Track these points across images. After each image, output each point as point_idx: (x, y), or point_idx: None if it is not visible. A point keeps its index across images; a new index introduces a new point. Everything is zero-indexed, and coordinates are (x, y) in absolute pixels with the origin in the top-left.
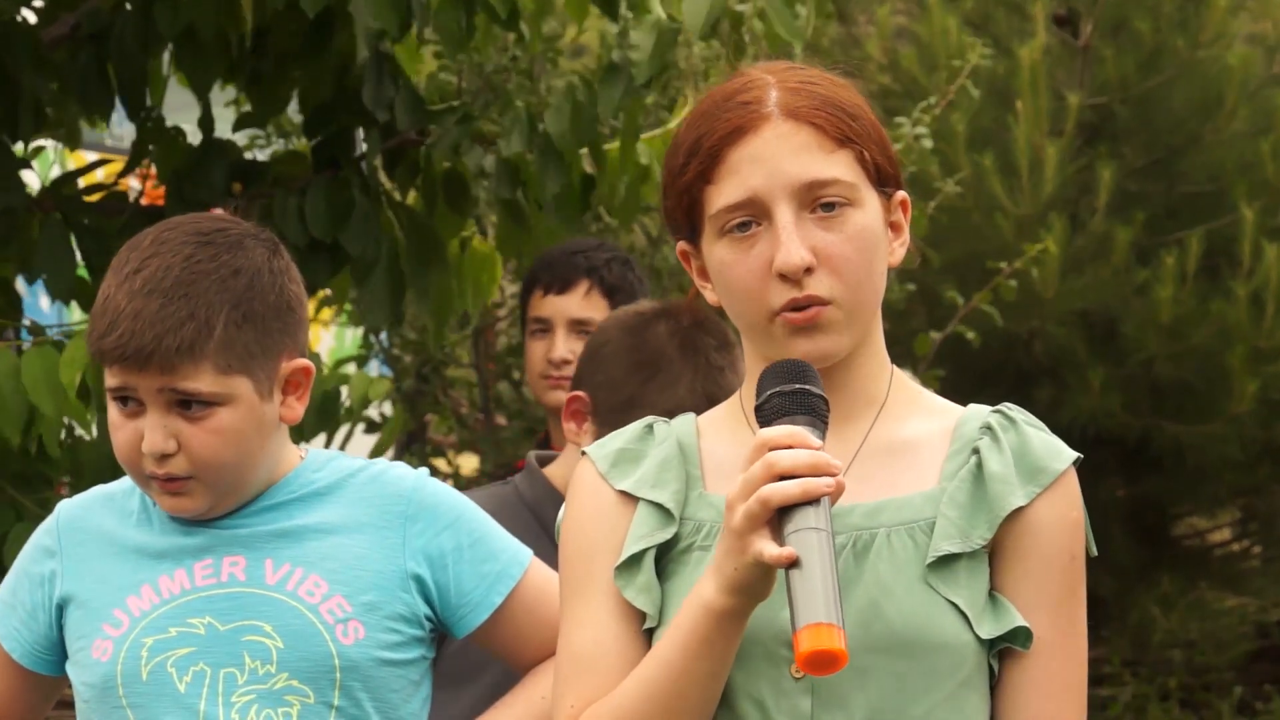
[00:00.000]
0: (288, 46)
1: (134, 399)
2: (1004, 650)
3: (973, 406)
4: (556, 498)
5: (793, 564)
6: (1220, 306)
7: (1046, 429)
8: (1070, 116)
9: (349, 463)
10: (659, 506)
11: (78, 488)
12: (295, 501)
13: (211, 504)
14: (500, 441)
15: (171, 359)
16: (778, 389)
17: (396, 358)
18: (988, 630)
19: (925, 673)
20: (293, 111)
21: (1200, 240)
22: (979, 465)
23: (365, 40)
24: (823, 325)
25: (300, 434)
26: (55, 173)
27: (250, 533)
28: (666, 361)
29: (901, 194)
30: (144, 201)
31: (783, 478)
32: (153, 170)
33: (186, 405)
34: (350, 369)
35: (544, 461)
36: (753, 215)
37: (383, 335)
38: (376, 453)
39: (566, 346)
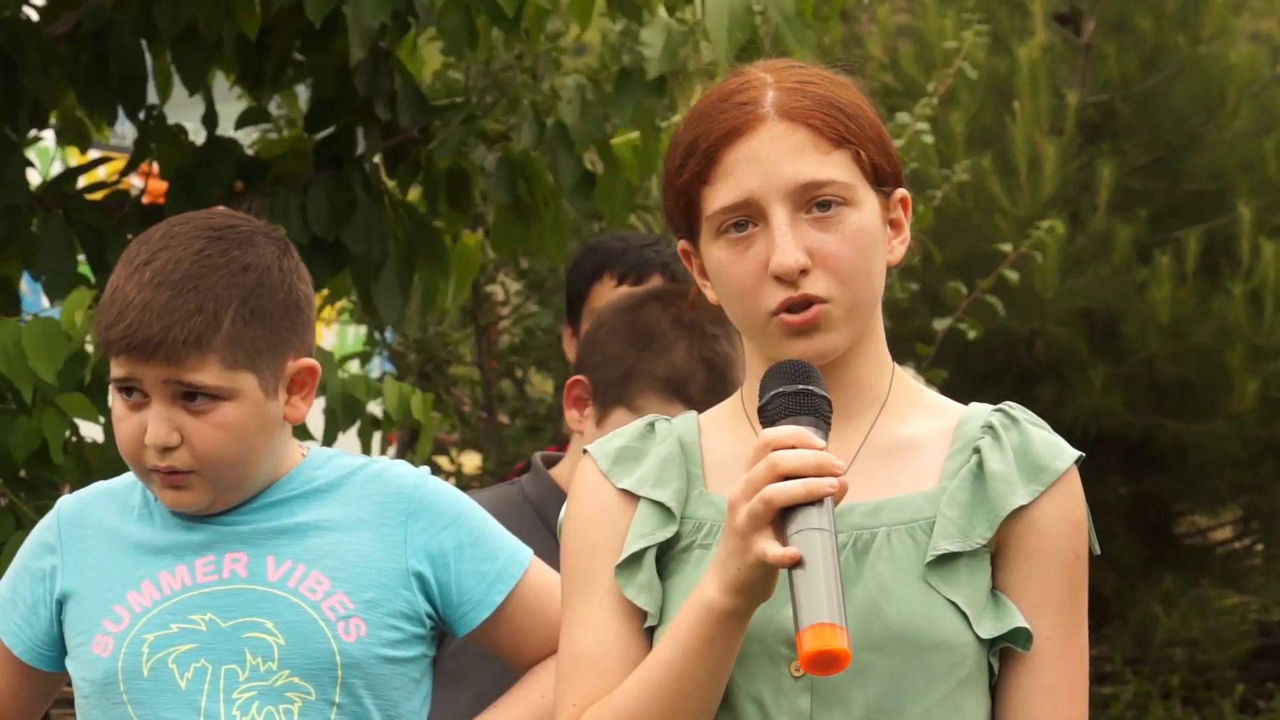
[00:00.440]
0: (290, 45)
1: (139, 390)
2: (1005, 650)
3: (974, 405)
4: (562, 497)
5: (796, 564)
6: (1220, 305)
7: (1049, 428)
8: (1070, 115)
9: (349, 460)
10: (660, 505)
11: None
12: (297, 499)
13: (212, 499)
14: (503, 439)
15: (178, 350)
16: (781, 389)
17: (400, 355)
18: (987, 630)
19: (924, 671)
20: (303, 103)
21: (1199, 239)
22: (980, 464)
23: (360, 40)
24: (820, 324)
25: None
26: (55, 168)
27: (252, 529)
28: (660, 332)
29: (901, 192)
30: (145, 200)
31: (786, 478)
32: (154, 168)
33: (191, 398)
34: (353, 367)
35: (550, 462)
36: (749, 216)
37: (387, 333)
38: (416, 462)
39: None
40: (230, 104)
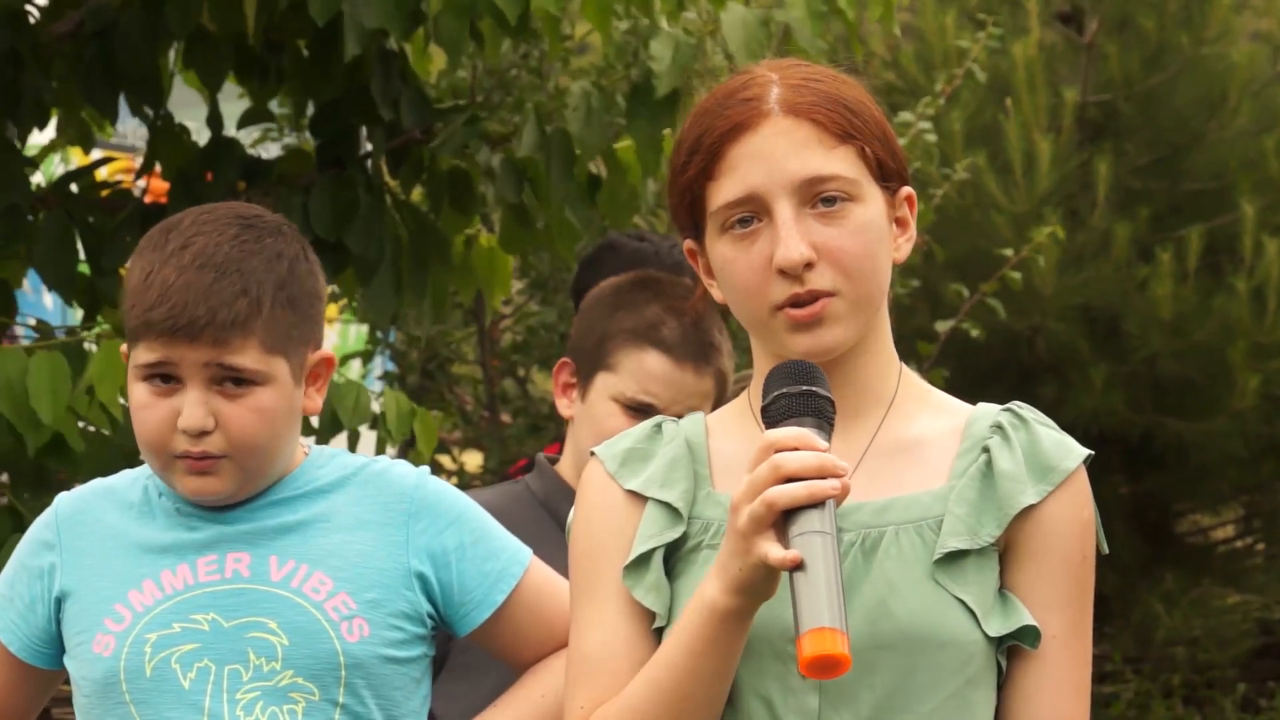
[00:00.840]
0: (295, 45)
1: (173, 376)
2: (1012, 648)
3: (982, 405)
4: (569, 492)
5: (797, 567)
6: (1222, 303)
7: (1057, 427)
8: (1068, 113)
9: (350, 459)
10: (667, 506)
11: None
12: (300, 498)
13: (235, 488)
14: (505, 439)
15: (225, 331)
16: (784, 390)
17: (402, 353)
18: (996, 628)
19: (933, 669)
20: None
21: (1201, 237)
22: (989, 463)
23: (357, 39)
24: (826, 318)
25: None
26: (56, 167)
27: (255, 528)
28: (629, 295)
29: (907, 189)
30: (147, 199)
31: (789, 480)
32: (157, 167)
33: (229, 382)
34: (355, 365)
35: (554, 461)
36: (753, 212)
37: (389, 332)
38: (417, 463)
39: None
40: (231, 104)
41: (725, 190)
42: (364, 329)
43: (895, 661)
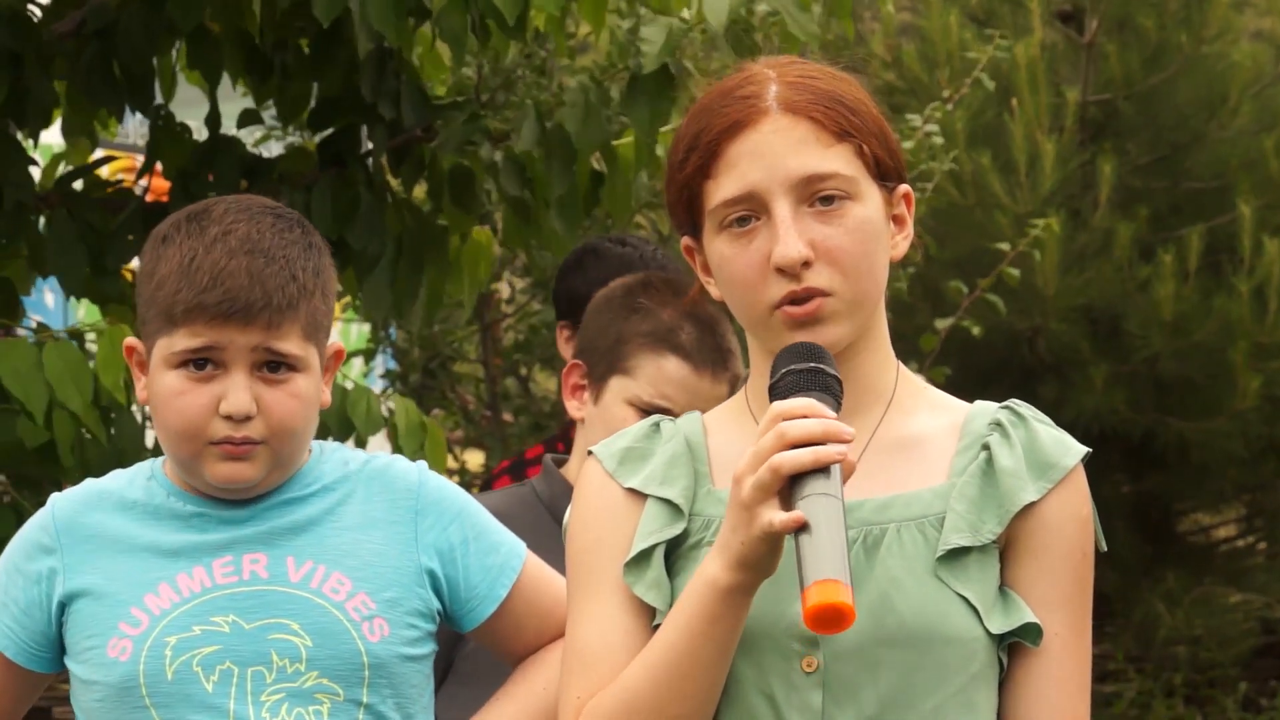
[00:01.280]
0: (296, 44)
1: (215, 361)
2: (1013, 645)
3: (979, 403)
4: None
5: (802, 528)
6: (1223, 303)
7: (1054, 425)
8: (1070, 113)
9: (350, 454)
10: (668, 503)
11: None
12: (309, 496)
13: (264, 476)
14: (506, 437)
15: (279, 314)
16: (792, 366)
17: (404, 352)
18: (998, 625)
19: (936, 666)
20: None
21: (1201, 236)
22: (989, 460)
23: (368, 37)
24: (823, 317)
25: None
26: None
27: (268, 528)
28: (642, 299)
29: (904, 187)
30: (148, 198)
31: (794, 447)
32: (158, 166)
33: (271, 367)
34: (356, 364)
35: (560, 463)
36: (751, 210)
37: (391, 330)
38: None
39: None
40: (232, 102)
41: (723, 188)
42: (365, 328)
43: (899, 658)
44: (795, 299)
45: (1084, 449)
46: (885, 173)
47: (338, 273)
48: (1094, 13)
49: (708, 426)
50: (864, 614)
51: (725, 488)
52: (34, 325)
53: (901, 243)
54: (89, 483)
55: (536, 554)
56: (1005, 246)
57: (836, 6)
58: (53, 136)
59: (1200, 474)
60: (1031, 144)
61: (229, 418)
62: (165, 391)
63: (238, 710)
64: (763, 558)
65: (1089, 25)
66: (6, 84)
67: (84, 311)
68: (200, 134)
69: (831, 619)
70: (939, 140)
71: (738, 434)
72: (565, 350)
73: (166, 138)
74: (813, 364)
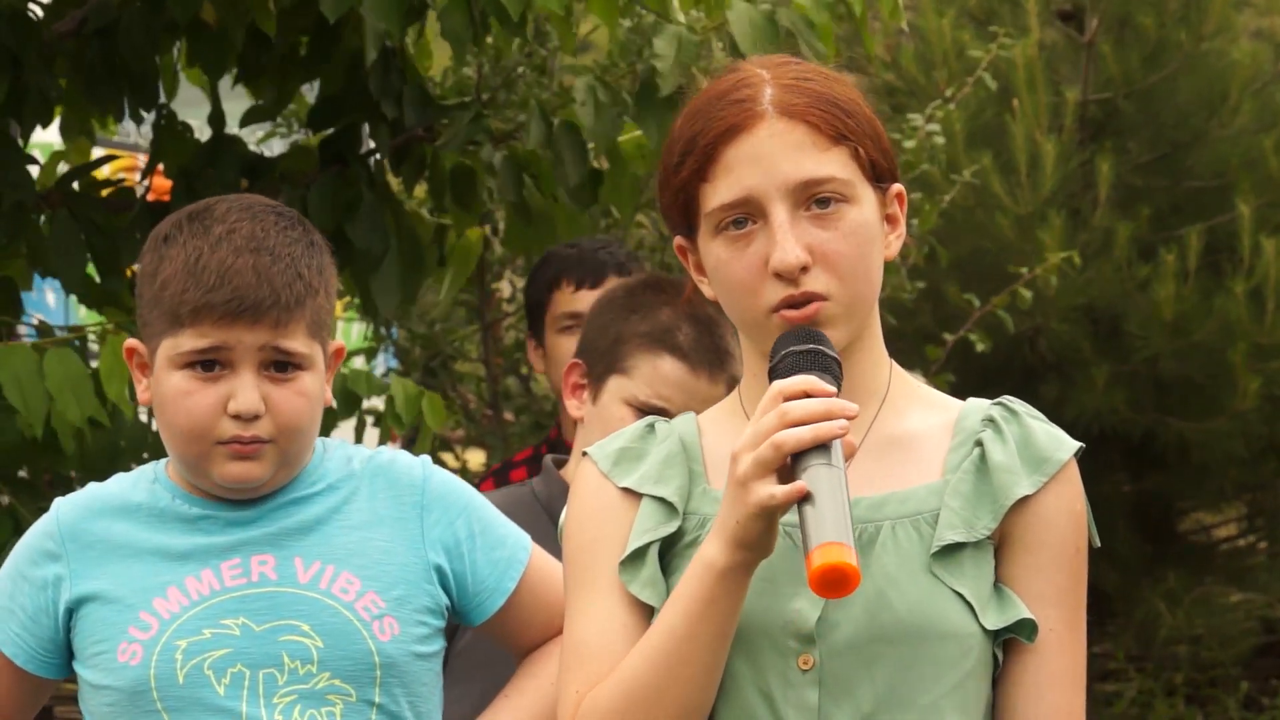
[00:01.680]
0: (296, 42)
1: (222, 362)
2: (1008, 641)
3: (972, 400)
4: None
5: (804, 499)
6: (1222, 303)
7: (1047, 420)
8: (1070, 112)
9: (354, 451)
10: (663, 501)
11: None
12: (314, 495)
13: (272, 474)
14: (507, 437)
15: (288, 312)
16: (792, 348)
17: (405, 350)
18: (993, 621)
19: (932, 662)
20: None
21: (1201, 236)
22: (983, 456)
23: (374, 39)
24: (820, 321)
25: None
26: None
27: (275, 529)
28: (647, 301)
29: (897, 187)
30: (150, 197)
31: (795, 425)
32: (159, 165)
33: (277, 366)
34: (357, 364)
35: (560, 464)
36: (748, 214)
37: (393, 330)
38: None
39: None
40: (234, 101)
41: (720, 192)
42: (365, 328)
43: (895, 655)
44: (793, 303)
45: (1077, 444)
46: (880, 174)
47: (337, 272)
48: (1093, 12)
49: (702, 427)
50: (860, 610)
51: (720, 487)
52: (35, 323)
53: (895, 242)
54: (92, 487)
55: None
56: (1024, 271)
57: (859, 31)
58: (51, 135)
59: (1201, 474)
60: (1031, 144)
61: (238, 417)
62: (171, 392)
63: (250, 713)
64: (759, 535)
65: (1089, 24)
66: (6, 83)
67: (85, 311)
68: (202, 133)
69: (837, 581)
70: (940, 140)
71: (732, 434)
72: (537, 362)
73: (169, 137)
74: (812, 345)
